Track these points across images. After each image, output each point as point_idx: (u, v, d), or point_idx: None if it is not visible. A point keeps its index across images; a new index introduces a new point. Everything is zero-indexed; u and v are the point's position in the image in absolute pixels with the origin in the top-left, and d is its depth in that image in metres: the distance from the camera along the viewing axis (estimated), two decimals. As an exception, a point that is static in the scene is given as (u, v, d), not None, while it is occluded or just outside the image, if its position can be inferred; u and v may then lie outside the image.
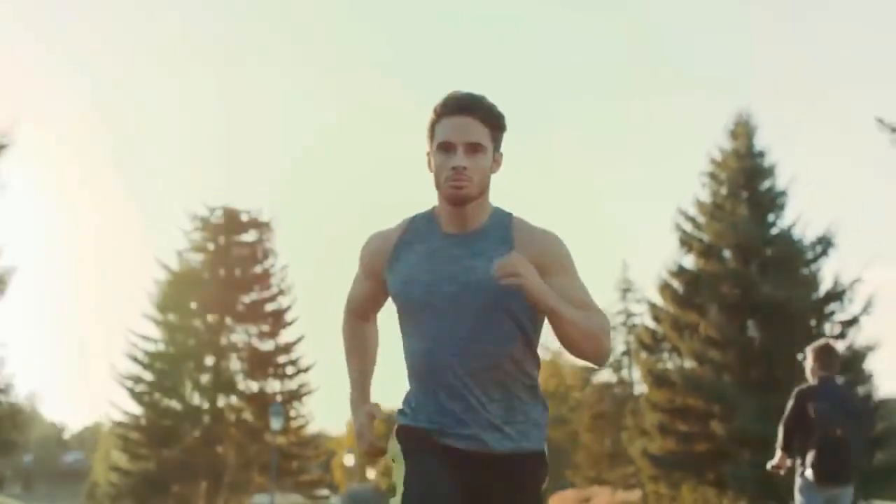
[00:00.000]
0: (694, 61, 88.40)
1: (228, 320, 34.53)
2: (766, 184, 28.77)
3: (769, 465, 6.98)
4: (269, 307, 34.96)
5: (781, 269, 27.06)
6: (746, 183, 28.56)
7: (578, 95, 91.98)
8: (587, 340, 2.79)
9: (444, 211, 2.95)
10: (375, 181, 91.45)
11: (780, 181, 28.81)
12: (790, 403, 6.99)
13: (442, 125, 2.90)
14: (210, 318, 34.44)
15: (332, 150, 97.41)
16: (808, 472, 6.87)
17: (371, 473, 62.50)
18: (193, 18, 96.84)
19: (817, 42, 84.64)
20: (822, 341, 7.20)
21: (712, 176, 29.51)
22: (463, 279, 2.87)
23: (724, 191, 29.11)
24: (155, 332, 34.19)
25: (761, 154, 28.91)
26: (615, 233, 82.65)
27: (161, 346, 34.09)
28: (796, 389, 7.08)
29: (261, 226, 35.48)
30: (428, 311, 2.90)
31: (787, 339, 26.13)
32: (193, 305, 34.44)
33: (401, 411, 3.04)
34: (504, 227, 2.94)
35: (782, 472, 7.02)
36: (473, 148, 2.86)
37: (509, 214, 2.98)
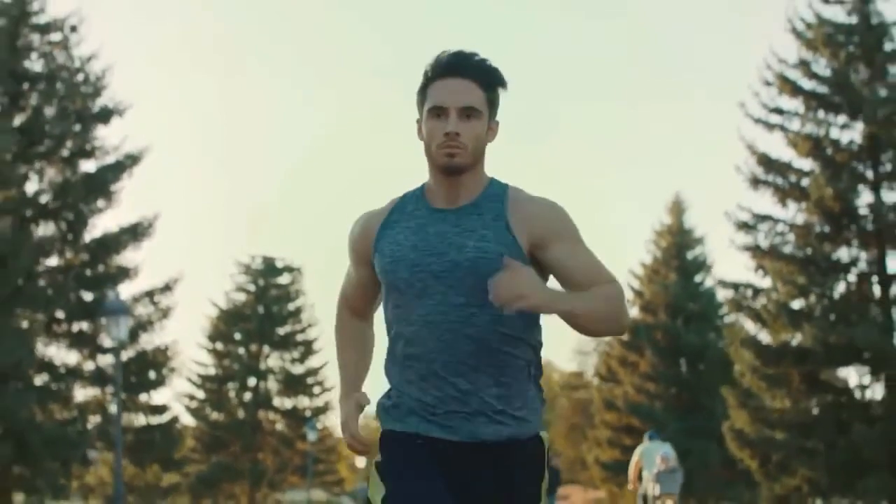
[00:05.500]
0: (694, 66, 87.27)
1: (266, 348, 40.09)
2: (694, 252, 36.26)
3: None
4: (300, 338, 40.70)
5: (702, 320, 34.48)
6: (677, 254, 35.96)
7: (577, 100, 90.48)
8: (606, 323, 2.57)
9: (435, 183, 2.63)
10: (383, 192, 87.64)
11: (708, 248, 36.67)
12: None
13: (434, 88, 2.58)
14: (252, 346, 39.95)
15: (331, 159, 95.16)
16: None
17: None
18: (194, 23, 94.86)
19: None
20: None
21: (654, 243, 37.10)
22: (452, 257, 2.54)
23: (660, 257, 36.58)
24: (206, 358, 39.74)
25: (690, 231, 36.39)
26: (613, 238, 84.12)
27: (211, 370, 39.59)
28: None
29: (293, 271, 41.69)
30: (414, 292, 2.57)
31: (707, 375, 33.58)
32: (238, 336, 40.08)
33: (383, 408, 2.67)
34: (499, 200, 2.61)
35: None
36: (467, 113, 2.55)
37: (506, 186, 2.66)
